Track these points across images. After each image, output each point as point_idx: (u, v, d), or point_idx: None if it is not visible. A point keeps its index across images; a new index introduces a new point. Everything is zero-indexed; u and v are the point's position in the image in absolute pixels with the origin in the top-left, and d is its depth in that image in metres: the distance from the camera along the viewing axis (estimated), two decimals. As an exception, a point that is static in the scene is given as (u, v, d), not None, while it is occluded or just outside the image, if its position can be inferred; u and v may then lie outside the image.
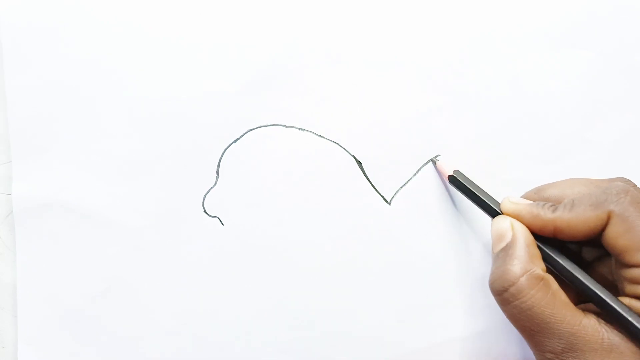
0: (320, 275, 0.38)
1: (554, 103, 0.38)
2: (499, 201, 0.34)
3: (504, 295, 0.30)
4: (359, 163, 0.38)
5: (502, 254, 0.31)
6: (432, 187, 0.38)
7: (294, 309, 0.38)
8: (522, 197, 0.34)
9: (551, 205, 0.31)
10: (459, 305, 0.38)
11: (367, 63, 0.38)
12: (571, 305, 0.29)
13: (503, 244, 0.31)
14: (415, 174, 0.38)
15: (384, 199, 0.38)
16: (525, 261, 0.30)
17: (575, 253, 0.33)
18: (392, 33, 0.38)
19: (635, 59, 0.38)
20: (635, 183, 0.31)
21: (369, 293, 0.38)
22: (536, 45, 0.38)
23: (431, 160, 0.38)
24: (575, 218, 0.30)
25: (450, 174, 0.36)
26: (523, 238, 0.31)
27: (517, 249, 0.30)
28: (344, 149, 0.38)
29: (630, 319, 0.28)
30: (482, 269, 0.38)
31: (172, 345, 0.38)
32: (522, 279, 0.29)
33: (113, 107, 0.38)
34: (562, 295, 0.29)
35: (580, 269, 0.31)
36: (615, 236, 0.29)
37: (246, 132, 0.38)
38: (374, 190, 0.38)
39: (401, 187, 0.38)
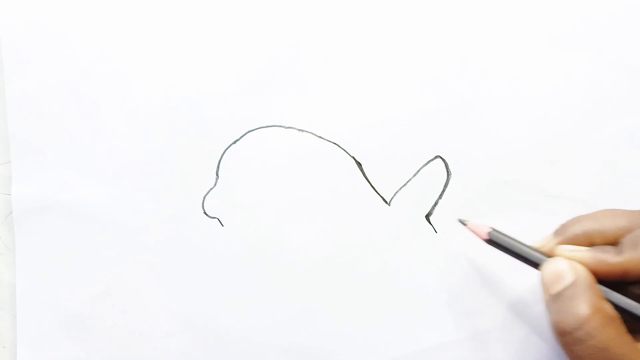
0: (320, 276, 0.38)
1: (554, 103, 0.38)
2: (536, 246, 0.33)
3: (577, 334, 0.28)
4: (359, 164, 0.38)
5: (568, 293, 0.29)
6: (431, 188, 0.38)
7: (294, 309, 0.38)
8: (560, 229, 0.32)
9: (613, 248, 0.30)
10: (459, 306, 0.37)
11: (366, 64, 0.38)
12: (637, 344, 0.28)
13: (562, 285, 0.30)
14: (415, 175, 0.38)
15: (384, 199, 0.38)
16: (594, 300, 0.29)
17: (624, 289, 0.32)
18: (392, 33, 0.38)
19: (635, 59, 0.38)
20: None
21: (369, 294, 0.38)
22: (536, 45, 0.38)
23: (459, 220, 0.35)
24: None
25: (486, 235, 0.33)
26: (587, 278, 0.29)
27: (583, 288, 0.29)
28: (344, 150, 0.38)
29: None
30: (482, 269, 0.37)
31: (172, 347, 0.38)
32: (596, 318, 0.28)
33: (113, 108, 0.38)
34: (629, 336, 0.28)
35: None
36: None
37: (246, 133, 0.38)
38: (373, 191, 0.38)
39: (401, 188, 0.38)
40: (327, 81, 0.38)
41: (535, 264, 0.32)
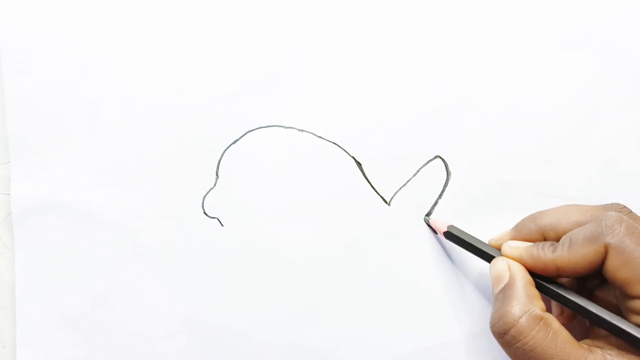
0: (320, 275, 0.38)
1: (553, 103, 0.38)
2: (492, 245, 0.34)
3: (505, 337, 0.30)
4: (359, 164, 0.38)
5: (500, 296, 0.31)
6: (431, 188, 0.38)
7: (294, 309, 0.38)
8: (518, 224, 0.34)
9: (550, 245, 0.31)
10: (459, 306, 0.37)
11: (366, 64, 0.38)
12: (575, 342, 0.29)
13: (501, 286, 0.31)
14: (414, 175, 0.38)
15: (384, 199, 0.38)
16: (524, 302, 0.30)
17: (576, 282, 0.34)
18: (392, 34, 0.38)
19: (635, 59, 0.38)
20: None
21: (369, 293, 0.38)
22: (536, 45, 0.38)
23: (424, 219, 0.38)
24: (574, 255, 0.30)
25: (445, 230, 0.35)
26: (521, 278, 0.31)
27: (515, 290, 0.30)
28: (344, 149, 0.38)
29: None
30: (482, 268, 0.37)
31: (172, 347, 0.38)
32: (522, 320, 0.29)
33: (112, 108, 0.38)
34: (564, 333, 0.29)
35: (586, 299, 0.30)
36: (614, 269, 0.29)
37: (246, 133, 0.38)
38: (373, 191, 0.38)
39: (400, 188, 0.38)
40: (327, 81, 0.38)
41: (488, 259, 0.34)
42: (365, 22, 0.38)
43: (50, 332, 0.38)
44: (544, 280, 0.31)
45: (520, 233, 0.34)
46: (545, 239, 0.33)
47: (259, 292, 0.38)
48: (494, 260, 0.33)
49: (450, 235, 0.35)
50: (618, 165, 0.37)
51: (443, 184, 0.38)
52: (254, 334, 0.38)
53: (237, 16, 0.38)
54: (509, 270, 0.31)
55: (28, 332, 0.38)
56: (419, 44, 0.38)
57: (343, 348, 0.38)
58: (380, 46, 0.38)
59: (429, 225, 0.38)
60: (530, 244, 0.32)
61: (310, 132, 0.38)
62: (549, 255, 0.31)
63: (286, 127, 0.38)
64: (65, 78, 0.38)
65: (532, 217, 0.33)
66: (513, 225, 0.35)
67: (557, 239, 0.32)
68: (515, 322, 0.29)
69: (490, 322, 0.31)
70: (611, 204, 0.32)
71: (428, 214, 0.38)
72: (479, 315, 0.37)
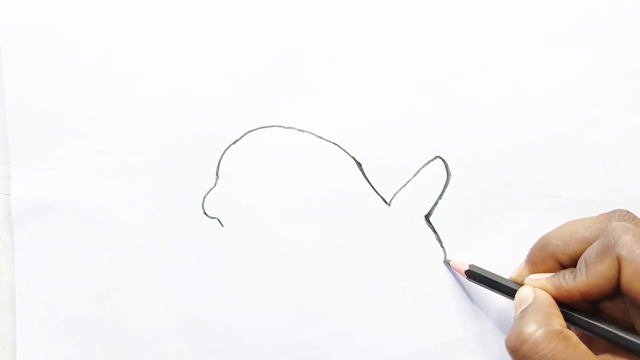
0: (320, 276, 0.38)
1: (553, 103, 0.38)
2: (512, 276, 0.34)
3: (522, 350, 0.29)
4: (359, 164, 0.38)
5: (521, 314, 0.31)
6: (431, 188, 0.38)
7: (294, 309, 0.38)
8: (530, 256, 0.34)
9: (570, 272, 0.31)
10: (459, 306, 0.37)
11: (367, 64, 0.38)
12: (594, 356, 0.29)
13: (523, 307, 0.31)
14: (414, 175, 0.38)
15: (384, 200, 0.38)
16: (542, 317, 0.29)
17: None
18: (392, 34, 0.38)
19: (635, 59, 0.38)
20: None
21: (369, 294, 0.38)
22: (536, 45, 0.38)
23: (444, 262, 0.38)
24: (594, 277, 0.29)
25: (466, 269, 0.35)
26: (544, 299, 0.31)
27: (535, 307, 0.30)
28: (344, 150, 0.38)
29: None
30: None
31: (172, 347, 0.38)
32: (539, 332, 0.28)
33: (112, 108, 0.38)
34: (583, 347, 0.28)
35: (613, 325, 0.30)
36: (628, 280, 0.28)
37: (246, 134, 0.38)
38: (373, 191, 0.38)
39: (400, 188, 0.38)
40: (327, 81, 0.38)
41: (512, 294, 0.33)
42: (365, 22, 0.38)
43: (50, 332, 0.38)
44: (567, 309, 0.31)
45: (535, 266, 0.33)
46: (560, 263, 0.32)
47: (259, 292, 0.38)
48: (520, 289, 0.32)
49: (472, 274, 0.35)
50: (618, 165, 0.37)
51: (443, 184, 0.38)
52: (253, 334, 0.38)
53: (237, 16, 0.38)
54: (533, 293, 0.31)
55: (28, 332, 0.38)
56: (419, 44, 0.38)
57: (343, 348, 0.38)
58: (380, 46, 0.38)
59: (429, 225, 0.38)
60: (551, 274, 0.32)
61: (311, 132, 0.38)
62: (570, 283, 0.30)
63: (286, 127, 0.38)
64: (66, 78, 0.38)
65: (540, 245, 0.33)
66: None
67: (571, 261, 0.32)
68: (532, 334, 0.28)
69: (506, 337, 0.30)
70: (613, 212, 0.32)
71: (428, 214, 0.38)
72: (480, 314, 0.37)
